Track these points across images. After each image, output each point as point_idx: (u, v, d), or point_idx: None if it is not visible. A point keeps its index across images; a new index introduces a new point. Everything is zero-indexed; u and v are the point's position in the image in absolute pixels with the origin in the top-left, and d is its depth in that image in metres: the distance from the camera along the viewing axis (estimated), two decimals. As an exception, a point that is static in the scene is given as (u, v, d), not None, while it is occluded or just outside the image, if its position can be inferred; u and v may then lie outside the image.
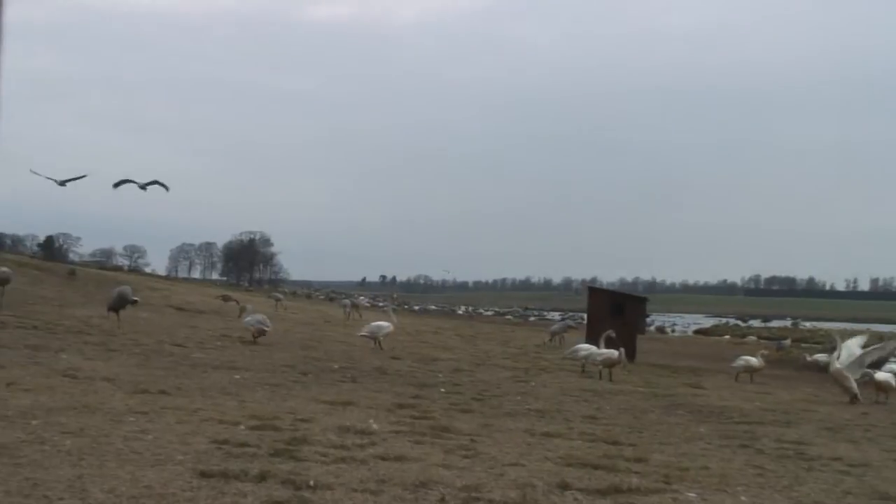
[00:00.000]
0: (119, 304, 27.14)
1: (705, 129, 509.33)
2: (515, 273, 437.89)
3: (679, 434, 14.82)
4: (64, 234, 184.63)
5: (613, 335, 27.86)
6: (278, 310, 51.16)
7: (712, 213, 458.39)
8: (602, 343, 27.09)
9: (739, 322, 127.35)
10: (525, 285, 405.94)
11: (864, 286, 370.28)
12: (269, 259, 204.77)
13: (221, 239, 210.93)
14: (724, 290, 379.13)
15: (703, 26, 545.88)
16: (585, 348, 27.08)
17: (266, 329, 27.00)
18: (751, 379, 27.56)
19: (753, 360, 27.30)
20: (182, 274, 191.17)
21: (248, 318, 28.02)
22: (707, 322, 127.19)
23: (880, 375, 25.18)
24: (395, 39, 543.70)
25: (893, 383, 24.70)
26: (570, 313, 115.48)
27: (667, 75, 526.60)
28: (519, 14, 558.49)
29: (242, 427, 11.64)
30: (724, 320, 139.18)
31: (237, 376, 17.81)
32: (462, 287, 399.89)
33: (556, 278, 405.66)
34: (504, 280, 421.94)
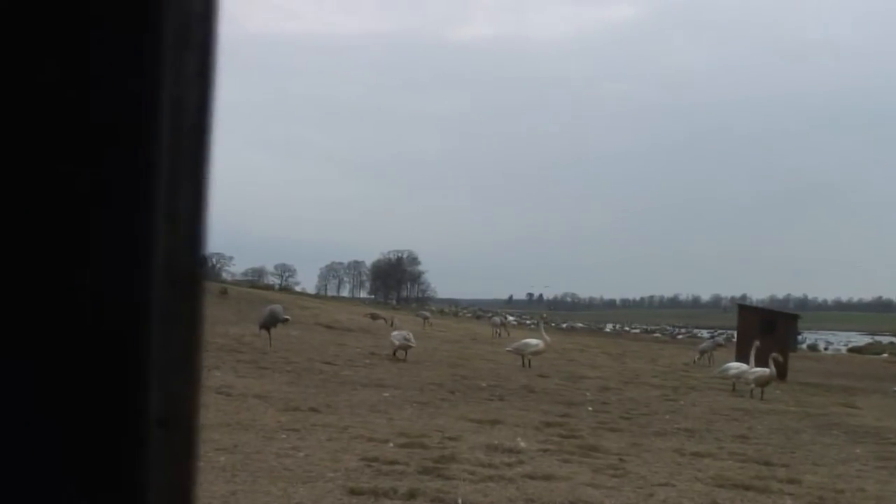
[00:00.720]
0: (271, 322, 27.65)
1: (856, 136, 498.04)
2: (663, 290, 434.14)
3: (833, 455, 14.47)
4: (217, 254, 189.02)
5: (760, 345, 27.34)
6: (425, 328, 51.49)
7: (867, 226, 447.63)
8: (752, 359, 26.62)
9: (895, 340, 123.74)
10: (673, 303, 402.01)
11: None
12: (416, 277, 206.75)
13: (370, 258, 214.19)
14: (880, 308, 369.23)
15: (848, 38, 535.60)
16: (736, 366, 26.66)
17: (411, 345, 27.21)
18: None
19: None
20: (331, 292, 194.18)
21: (395, 333, 28.31)
22: (861, 340, 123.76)
23: None
24: (538, 56, 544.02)
25: None
26: (720, 331, 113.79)
27: (816, 83, 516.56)
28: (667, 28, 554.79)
29: (391, 445, 11.75)
30: (879, 338, 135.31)
31: (386, 394, 17.97)
32: (609, 304, 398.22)
33: (705, 295, 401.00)
34: (651, 297, 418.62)
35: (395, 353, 26.83)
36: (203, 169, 0.70)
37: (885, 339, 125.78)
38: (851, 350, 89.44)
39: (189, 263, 0.69)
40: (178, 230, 0.68)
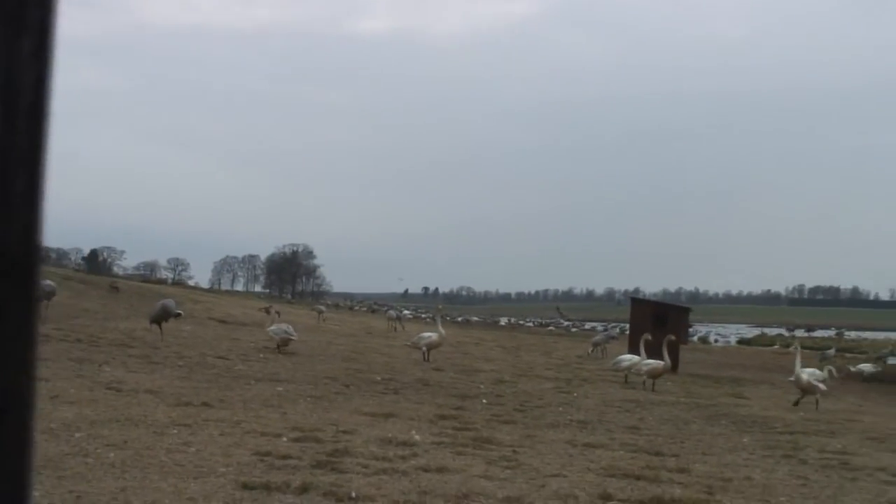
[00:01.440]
0: (162, 316, 27.30)
1: (752, 138, 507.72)
2: (558, 284, 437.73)
3: (722, 445, 14.75)
4: (108, 248, 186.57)
5: (650, 338, 27.70)
6: (320, 322, 51.31)
7: (756, 223, 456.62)
8: (643, 347, 26.97)
9: (784, 332, 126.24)
10: (567, 296, 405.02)
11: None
12: (311, 271, 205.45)
13: (264, 252, 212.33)
14: (768, 301, 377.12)
15: (754, 33, 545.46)
16: (628, 359, 26.98)
17: (292, 338, 27.13)
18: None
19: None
20: (225, 287, 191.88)
21: (273, 327, 28.13)
22: (750, 332, 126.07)
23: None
24: (434, 51, 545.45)
25: None
26: (613, 324, 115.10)
27: (715, 82, 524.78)
28: (560, 23, 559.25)
29: (285, 439, 11.69)
30: (767, 330, 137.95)
31: (279, 388, 17.86)
32: (505, 298, 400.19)
33: (599, 289, 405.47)
34: (546, 291, 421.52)
35: (278, 348, 26.66)
36: (40, 153, 0.68)
37: (773, 331, 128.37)
38: (741, 342, 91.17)
39: (23, 253, 0.66)
40: (11, 217, 0.65)
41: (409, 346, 29.59)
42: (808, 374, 24.19)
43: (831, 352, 53.10)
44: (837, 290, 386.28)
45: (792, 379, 22.87)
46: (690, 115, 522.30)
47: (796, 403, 22.24)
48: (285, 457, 10.37)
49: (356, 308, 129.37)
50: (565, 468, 11.15)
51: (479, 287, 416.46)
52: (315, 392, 17.74)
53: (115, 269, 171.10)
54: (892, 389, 34.19)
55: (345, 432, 12.66)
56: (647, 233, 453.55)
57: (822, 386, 25.02)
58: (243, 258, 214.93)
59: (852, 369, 33.87)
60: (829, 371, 27.16)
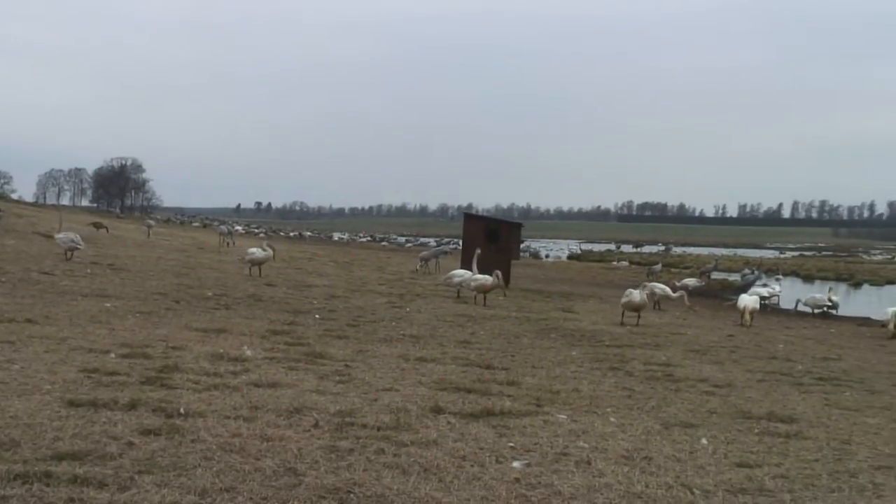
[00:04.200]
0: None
1: (586, 57, 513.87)
2: (392, 200, 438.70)
3: (551, 358, 15.03)
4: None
5: (481, 253, 27.99)
6: (150, 237, 50.38)
7: (587, 142, 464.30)
8: (475, 263, 27.23)
9: (612, 247, 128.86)
10: (401, 212, 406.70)
11: (733, 212, 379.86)
12: (140, 185, 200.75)
13: (92, 165, 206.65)
14: (598, 217, 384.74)
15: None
16: (460, 274, 27.21)
17: (78, 246, 26.78)
18: (658, 306, 28.19)
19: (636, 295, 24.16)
20: (51, 201, 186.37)
21: (60, 236, 27.62)
22: (581, 248, 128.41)
23: (745, 299, 25.92)
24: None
25: (756, 307, 25.57)
26: (447, 239, 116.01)
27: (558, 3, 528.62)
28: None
29: (112, 355, 11.48)
30: (597, 246, 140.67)
31: (107, 304, 17.51)
32: (339, 213, 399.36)
33: (433, 205, 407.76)
34: (380, 206, 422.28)
35: (68, 257, 26.22)
36: None
37: (602, 247, 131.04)
38: (571, 258, 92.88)
39: None
40: None
41: (240, 262, 29.40)
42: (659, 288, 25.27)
43: (658, 267, 54.46)
44: (665, 206, 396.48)
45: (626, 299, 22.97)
46: (528, 35, 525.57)
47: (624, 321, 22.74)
48: (113, 373, 10.19)
49: (187, 223, 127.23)
50: (397, 382, 11.22)
51: (313, 202, 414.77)
52: (144, 308, 17.45)
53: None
54: (714, 303, 35.34)
55: (175, 348, 12.50)
56: (480, 149, 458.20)
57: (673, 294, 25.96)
58: (70, 171, 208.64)
59: (677, 284, 34.74)
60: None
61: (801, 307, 33.34)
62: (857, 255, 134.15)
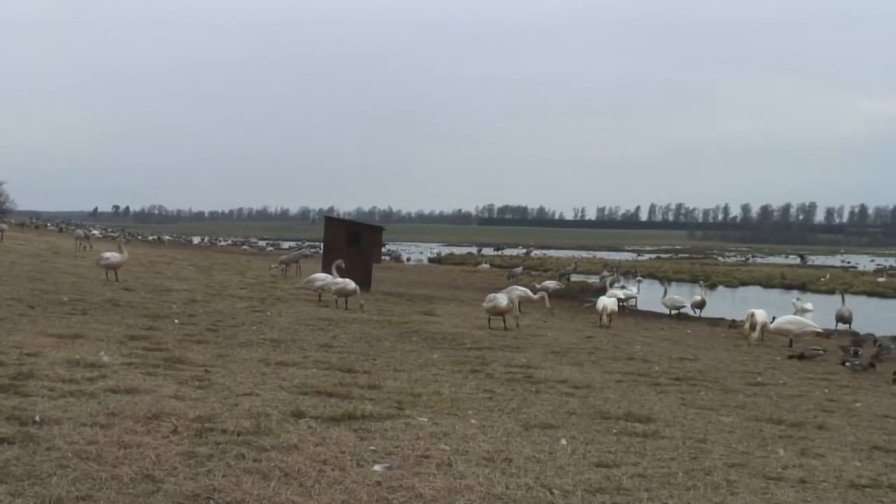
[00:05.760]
0: None
1: (450, 62, 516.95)
2: (252, 203, 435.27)
3: (413, 361, 15.10)
4: None
5: (343, 265, 27.97)
6: (3, 241, 49.12)
7: (448, 145, 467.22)
8: (335, 272, 27.20)
9: (473, 251, 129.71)
10: (262, 215, 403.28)
11: (592, 215, 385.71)
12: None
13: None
14: (460, 220, 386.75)
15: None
16: (321, 278, 27.15)
17: None
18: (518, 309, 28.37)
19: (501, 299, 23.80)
20: None
21: None
22: (443, 250, 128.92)
23: (603, 301, 26.39)
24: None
25: (615, 308, 26.09)
26: (308, 243, 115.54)
27: (416, 4, 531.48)
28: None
29: (-37, 363, 11.18)
30: (457, 249, 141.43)
31: (-43, 311, 17.05)
32: (198, 217, 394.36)
33: (294, 208, 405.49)
34: (241, 210, 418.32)
35: None
36: None
37: (464, 250, 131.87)
38: (432, 261, 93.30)
39: None
40: None
41: (96, 266, 28.90)
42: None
43: (518, 269, 55.04)
44: (525, 209, 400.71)
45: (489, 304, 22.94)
46: (390, 38, 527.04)
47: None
48: (-36, 381, 9.93)
49: (43, 227, 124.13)
50: (258, 387, 11.15)
51: (172, 206, 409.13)
52: (-3, 314, 17.01)
53: None
54: (574, 305, 35.88)
55: (29, 355, 12.21)
56: (341, 152, 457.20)
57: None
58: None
59: (537, 286, 35.12)
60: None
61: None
62: (712, 256, 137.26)
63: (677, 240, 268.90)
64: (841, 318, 30.87)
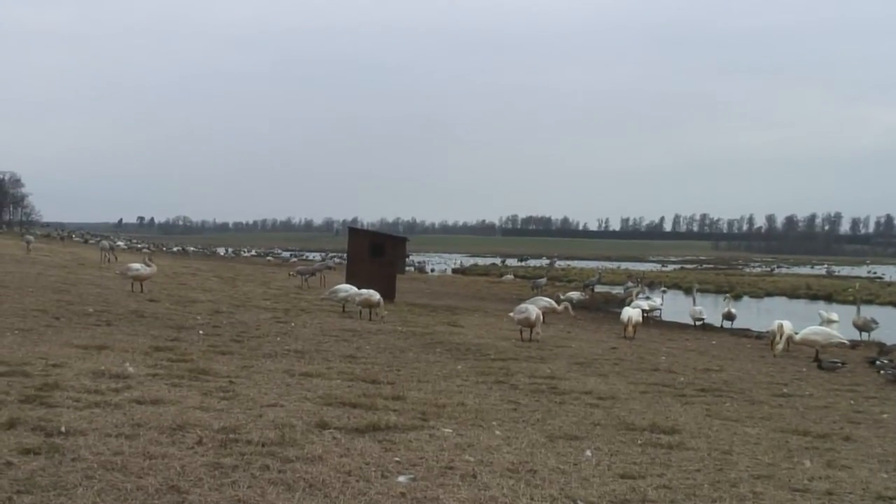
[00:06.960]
0: None
1: (473, 74, 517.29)
2: (276, 214, 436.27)
3: (437, 372, 15.08)
4: None
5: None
6: (29, 252, 49.38)
7: (472, 156, 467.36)
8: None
9: (497, 261, 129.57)
10: (286, 226, 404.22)
11: (616, 226, 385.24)
12: (19, 200, 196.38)
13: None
14: (483, 231, 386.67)
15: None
16: (345, 289, 27.14)
17: None
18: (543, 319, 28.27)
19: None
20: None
21: None
22: (466, 261, 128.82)
23: (628, 311, 26.29)
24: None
25: (640, 319, 26.01)
26: (332, 254, 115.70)
27: (437, 15, 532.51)
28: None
29: (-11, 374, 11.22)
30: (482, 260, 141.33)
31: (-16, 321, 17.13)
32: (223, 228, 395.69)
33: (318, 219, 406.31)
34: (265, 221, 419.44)
35: None
36: None
37: (488, 261, 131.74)
38: (456, 271, 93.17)
39: None
40: None
41: (119, 274, 29.01)
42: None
43: (542, 280, 54.84)
44: (549, 220, 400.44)
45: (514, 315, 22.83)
46: (412, 50, 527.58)
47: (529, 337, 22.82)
48: (-10, 392, 9.96)
49: (69, 238, 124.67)
50: (282, 398, 11.15)
51: (196, 217, 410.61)
52: (23, 325, 17.08)
53: None
54: (598, 316, 35.77)
55: (55, 366, 12.26)
56: (365, 163, 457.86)
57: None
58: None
59: (562, 297, 35.08)
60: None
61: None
62: (736, 267, 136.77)
63: (701, 250, 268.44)
64: (857, 328, 30.58)
